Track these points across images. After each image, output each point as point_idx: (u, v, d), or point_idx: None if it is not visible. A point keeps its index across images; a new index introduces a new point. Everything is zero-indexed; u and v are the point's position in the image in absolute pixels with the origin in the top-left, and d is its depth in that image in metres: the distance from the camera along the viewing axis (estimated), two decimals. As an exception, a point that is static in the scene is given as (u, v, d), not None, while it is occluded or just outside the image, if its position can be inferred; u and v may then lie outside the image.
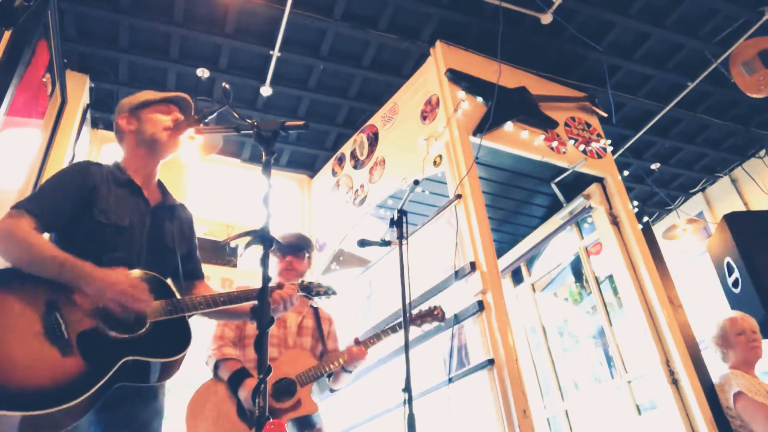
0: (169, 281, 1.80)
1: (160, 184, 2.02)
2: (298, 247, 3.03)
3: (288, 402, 2.56)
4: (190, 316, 1.78)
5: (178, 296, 1.78)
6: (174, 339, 1.70)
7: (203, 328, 2.79)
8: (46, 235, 1.77)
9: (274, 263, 3.00)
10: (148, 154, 1.96)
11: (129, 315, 1.60)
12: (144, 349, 1.62)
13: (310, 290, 2.27)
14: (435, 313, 2.92)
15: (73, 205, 1.75)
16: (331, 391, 2.94)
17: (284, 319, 2.90)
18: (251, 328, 2.79)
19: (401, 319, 2.78)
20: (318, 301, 2.32)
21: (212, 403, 2.59)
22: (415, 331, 3.13)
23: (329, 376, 2.83)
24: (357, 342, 2.81)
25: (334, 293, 2.32)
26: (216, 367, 2.66)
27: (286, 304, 2.01)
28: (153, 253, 1.85)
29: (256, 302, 1.96)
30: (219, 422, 2.53)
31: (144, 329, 1.64)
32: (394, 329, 2.86)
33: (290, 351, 2.79)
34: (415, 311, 3.02)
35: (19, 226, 1.64)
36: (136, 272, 1.72)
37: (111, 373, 1.54)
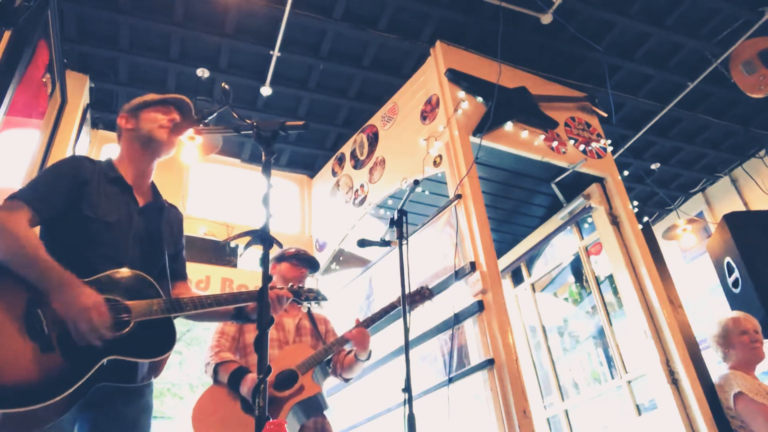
0: (154, 281, 1.79)
1: (152, 185, 2.03)
2: (315, 266, 3.15)
3: (290, 390, 2.59)
4: (175, 317, 1.77)
5: (164, 297, 1.77)
6: (158, 339, 1.69)
7: (207, 334, 2.83)
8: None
9: (285, 268, 3.02)
10: (144, 152, 1.96)
11: (81, 339, 1.54)
12: (126, 348, 1.61)
13: (299, 294, 2.28)
14: (423, 292, 2.92)
15: (65, 198, 1.75)
16: (345, 381, 2.97)
17: (281, 323, 2.93)
18: (250, 337, 2.82)
19: (394, 299, 2.82)
20: (307, 306, 2.34)
21: (216, 406, 2.61)
22: (414, 327, 3.14)
23: (328, 362, 2.86)
24: (358, 324, 2.84)
25: (324, 299, 2.33)
26: (215, 372, 2.68)
27: (276, 306, 2.02)
28: (140, 251, 1.84)
29: (241, 305, 1.97)
30: (226, 423, 2.55)
31: (128, 329, 1.63)
32: (392, 306, 2.87)
33: (290, 346, 2.82)
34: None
35: (13, 220, 1.62)
36: (125, 271, 1.72)
37: (91, 372, 1.53)
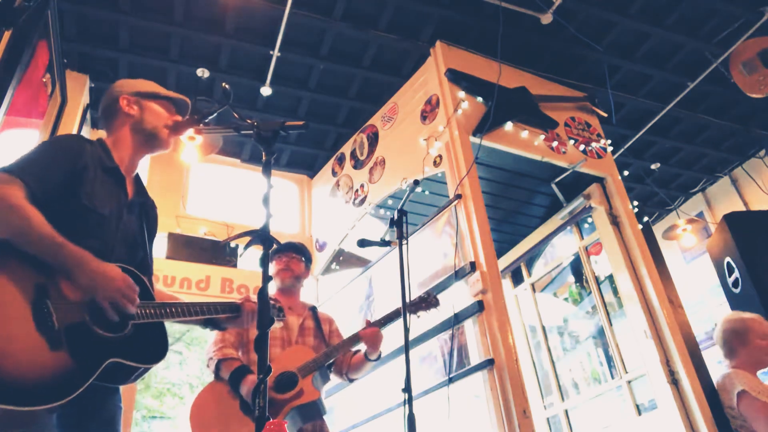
0: (146, 280, 1.75)
1: (137, 177, 1.98)
2: (294, 247, 3.10)
3: (290, 393, 2.58)
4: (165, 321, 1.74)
5: (155, 300, 1.74)
6: (153, 345, 1.66)
7: (207, 334, 2.83)
8: None
9: (275, 266, 3.03)
10: (142, 146, 1.92)
11: (116, 315, 1.53)
12: (126, 351, 1.56)
13: None
14: (429, 300, 2.92)
15: (63, 180, 1.64)
16: (350, 380, 2.96)
17: (286, 321, 2.91)
18: (254, 332, 2.80)
19: (397, 300, 2.81)
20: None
21: (215, 403, 2.61)
22: (414, 327, 3.14)
23: (329, 366, 2.85)
24: (369, 324, 2.82)
25: (283, 316, 2.34)
26: (217, 368, 2.68)
27: (248, 320, 2.00)
28: (125, 246, 1.79)
29: (227, 315, 1.96)
30: (224, 421, 2.54)
31: (126, 330, 1.58)
32: (397, 313, 2.86)
33: (291, 347, 2.81)
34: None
35: (14, 195, 1.49)
36: (123, 268, 1.66)
37: (96, 373, 1.47)
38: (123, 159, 1.88)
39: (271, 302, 2.27)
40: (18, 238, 1.47)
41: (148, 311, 1.65)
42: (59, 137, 1.82)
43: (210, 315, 1.88)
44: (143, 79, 2.06)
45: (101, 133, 2.02)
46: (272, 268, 3.02)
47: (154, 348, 1.66)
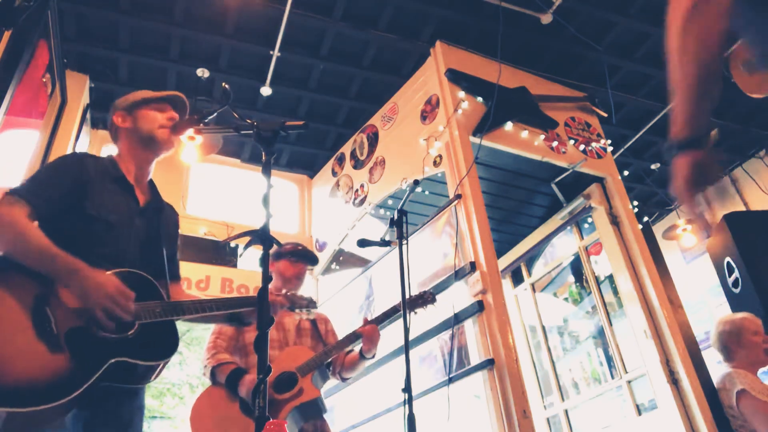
0: (156, 282, 1.78)
1: (151, 183, 2.02)
2: (313, 260, 3.12)
3: (290, 393, 2.58)
4: (177, 320, 1.77)
5: (166, 298, 1.77)
6: (161, 342, 1.69)
7: (207, 334, 2.84)
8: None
9: (283, 266, 3.00)
10: (144, 152, 1.95)
11: (109, 321, 1.58)
12: (132, 350, 1.61)
13: (294, 302, 2.29)
14: (426, 297, 2.93)
15: (67, 195, 1.73)
16: (344, 380, 2.96)
17: (282, 323, 2.92)
18: (250, 336, 2.81)
19: (397, 300, 2.81)
20: (299, 313, 2.36)
21: (215, 407, 2.60)
22: (414, 327, 3.14)
23: (329, 365, 2.86)
24: (367, 321, 2.83)
25: (314, 306, 2.35)
26: (213, 374, 2.67)
27: (275, 310, 2.03)
28: (140, 252, 1.84)
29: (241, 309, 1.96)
30: (224, 424, 2.54)
31: (132, 330, 1.63)
32: (395, 310, 2.86)
33: (290, 348, 2.81)
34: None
35: (13, 213, 1.62)
36: (127, 272, 1.71)
37: (99, 373, 1.52)
38: (130, 169, 1.94)
39: (299, 295, 2.31)
40: (14, 251, 1.58)
41: (156, 311, 1.69)
42: (62, 157, 1.90)
43: (223, 311, 1.90)
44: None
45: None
46: (282, 266, 3.00)
47: (163, 345, 1.70)
